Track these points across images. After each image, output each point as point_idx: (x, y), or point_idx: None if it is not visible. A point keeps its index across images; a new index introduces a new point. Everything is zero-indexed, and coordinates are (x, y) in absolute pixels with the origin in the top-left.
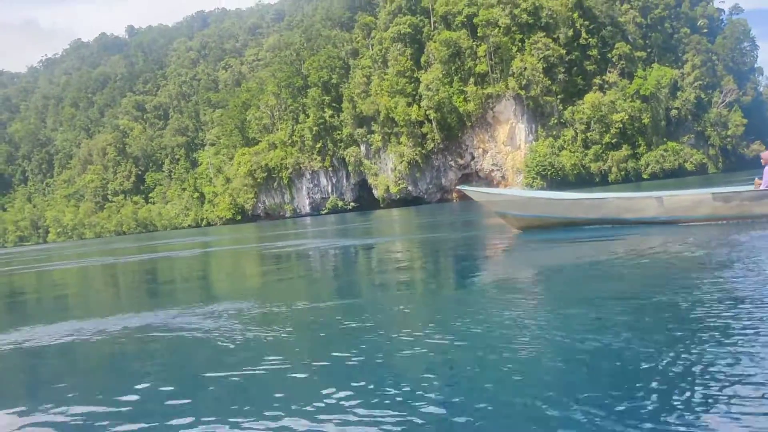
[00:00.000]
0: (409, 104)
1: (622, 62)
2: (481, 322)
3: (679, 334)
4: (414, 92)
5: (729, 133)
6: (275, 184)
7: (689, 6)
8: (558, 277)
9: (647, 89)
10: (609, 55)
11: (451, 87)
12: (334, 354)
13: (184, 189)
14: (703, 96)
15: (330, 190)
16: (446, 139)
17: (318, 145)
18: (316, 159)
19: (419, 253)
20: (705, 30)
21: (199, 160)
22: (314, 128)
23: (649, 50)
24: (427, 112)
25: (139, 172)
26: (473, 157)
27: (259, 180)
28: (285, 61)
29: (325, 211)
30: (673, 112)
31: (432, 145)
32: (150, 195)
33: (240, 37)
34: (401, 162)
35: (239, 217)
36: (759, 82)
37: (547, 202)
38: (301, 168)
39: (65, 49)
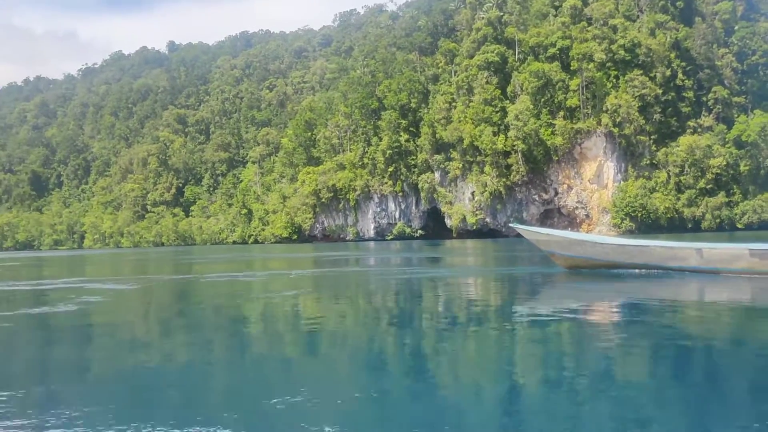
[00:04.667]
0: (494, 133)
1: (718, 106)
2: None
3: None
4: (500, 122)
5: None
6: (340, 205)
7: None
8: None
9: (750, 136)
10: (704, 99)
11: (539, 119)
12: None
13: (230, 204)
14: None
15: (397, 216)
16: (531, 172)
17: (390, 169)
18: (387, 183)
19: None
20: None
21: (241, 176)
22: (388, 151)
23: (745, 96)
24: (514, 143)
25: (180, 185)
26: (557, 193)
27: (323, 200)
28: (359, 82)
29: (391, 236)
30: (767, 162)
31: (517, 177)
32: (191, 208)
33: (285, 59)
34: (483, 192)
35: (295, 237)
36: None
37: (593, 245)
38: (369, 191)
39: (105, 59)
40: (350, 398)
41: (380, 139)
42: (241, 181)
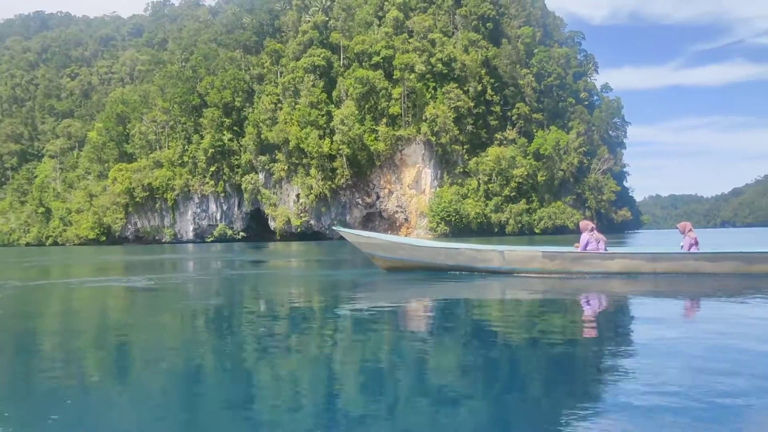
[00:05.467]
0: (320, 137)
1: (520, 121)
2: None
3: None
4: (325, 125)
5: (604, 198)
6: (156, 205)
7: (572, 79)
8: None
9: (546, 149)
10: (509, 114)
11: (363, 125)
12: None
13: (23, 202)
14: (584, 162)
15: (219, 217)
16: (355, 176)
17: (212, 169)
18: (208, 183)
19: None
20: (586, 102)
21: (37, 171)
22: (210, 150)
23: (542, 113)
24: (340, 147)
25: None
26: (379, 197)
27: (138, 199)
28: (179, 77)
29: (211, 238)
30: (559, 173)
31: (341, 180)
32: None
33: (90, 46)
34: (308, 194)
35: (104, 238)
36: (623, 156)
37: (410, 248)
38: (189, 191)
39: None
40: (162, 417)
41: (202, 137)
42: (37, 177)
